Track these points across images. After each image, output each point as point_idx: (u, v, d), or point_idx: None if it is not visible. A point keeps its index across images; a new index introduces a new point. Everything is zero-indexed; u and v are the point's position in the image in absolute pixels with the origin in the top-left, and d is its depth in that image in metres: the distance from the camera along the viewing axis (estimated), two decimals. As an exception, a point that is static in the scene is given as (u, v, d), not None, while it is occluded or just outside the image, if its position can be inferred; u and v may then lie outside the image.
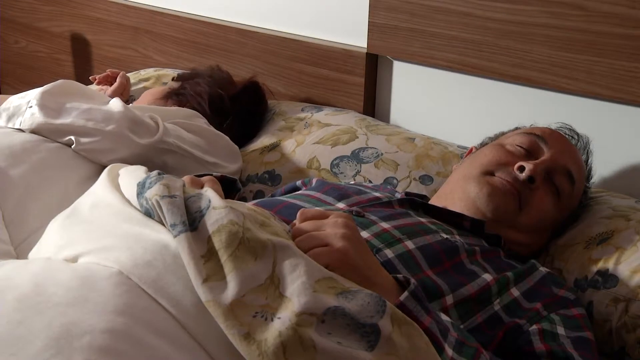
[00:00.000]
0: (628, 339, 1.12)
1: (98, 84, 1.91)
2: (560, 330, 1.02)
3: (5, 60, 2.70)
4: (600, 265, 1.19)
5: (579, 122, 1.45)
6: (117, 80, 1.88)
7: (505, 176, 1.20)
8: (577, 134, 1.37)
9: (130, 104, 1.70)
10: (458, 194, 1.23)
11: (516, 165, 1.20)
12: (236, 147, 1.66)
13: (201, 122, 1.64)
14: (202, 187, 0.97)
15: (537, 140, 1.26)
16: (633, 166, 1.45)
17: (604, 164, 1.46)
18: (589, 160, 1.36)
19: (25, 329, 0.72)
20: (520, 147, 1.25)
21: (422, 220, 1.14)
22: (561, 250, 1.27)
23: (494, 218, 1.19)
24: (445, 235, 1.10)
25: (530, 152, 1.25)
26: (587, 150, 1.36)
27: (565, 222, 1.29)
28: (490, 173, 1.22)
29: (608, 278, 1.17)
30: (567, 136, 1.34)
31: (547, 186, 1.22)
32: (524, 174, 1.19)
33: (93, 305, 0.75)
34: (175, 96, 1.73)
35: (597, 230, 1.26)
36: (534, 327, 1.02)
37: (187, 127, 1.57)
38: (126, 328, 0.73)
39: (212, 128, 1.64)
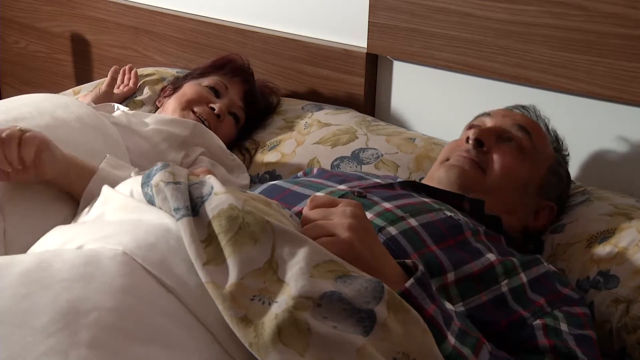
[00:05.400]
0: (628, 340, 1.12)
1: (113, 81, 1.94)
2: (564, 327, 1.02)
3: (5, 60, 2.69)
4: (601, 265, 1.20)
5: (579, 122, 1.45)
6: (131, 84, 1.94)
7: (459, 153, 1.27)
8: (524, 107, 1.39)
9: (155, 113, 1.76)
10: (434, 182, 1.27)
11: (464, 140, 1.28)
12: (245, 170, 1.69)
13: (212, 139, 1.66)
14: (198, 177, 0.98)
15: (481, 118, 1.34)
16: (633, 166, 1.45)
17: (603, 164, 1.47)
18: (549, 127, 1.38)
19: (30, 302, 0.72)
20: (469, 129, 1.31)
21: (426, 200, 1.15)
22: (563, 249, 1.27)
23: (465, 188, 1.23)
24: (449, 213, 1.11)
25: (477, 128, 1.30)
26: (539, 117, 1.38)
27: (549, 181, 1.29)
28: (447, 159, 1.29)
29: (609, 279, 1.17)
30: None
31: (504, 146, 1.27)
32: (471, 141, 1.26)
33: (99, 284, 0.75)
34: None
35: (598, 228, 1.26)
36: (538, 321, 1.02)
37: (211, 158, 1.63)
38: (132, 307, 0.74)
39: (225, 150, 1.68)
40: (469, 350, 0.87)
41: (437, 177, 1.27)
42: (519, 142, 1.27)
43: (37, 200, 1.30)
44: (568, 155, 1.39)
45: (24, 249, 1.02)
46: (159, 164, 0.94)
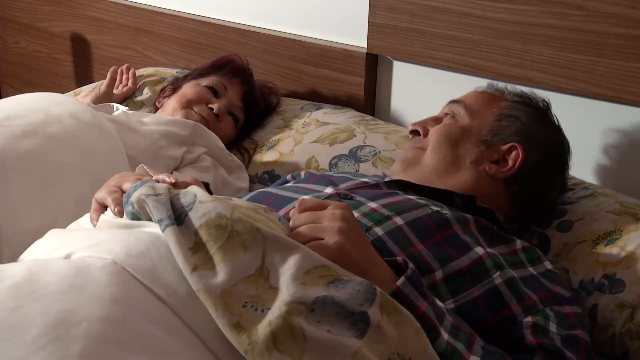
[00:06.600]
0: (631, 346, 1.11)
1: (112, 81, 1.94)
2: (552, 327, 1.01)
3: (5, 60, 2.70)
4: (607, 268, 1.18)
5: (579, 122, 1.44)
6: (130, 84, 1.94)
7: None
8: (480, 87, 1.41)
9: (156, 113, 1.76)
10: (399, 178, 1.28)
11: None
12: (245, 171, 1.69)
13: (212, 139, 1.66)
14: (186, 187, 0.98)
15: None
16: (633, 166, 1.45)
17: (603, 164, 1.46)
18: (504, 87, 1.38)
19: (20, 316, 0.72)
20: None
21: (411, 197, 1.15)
22: (568, 248, 1.26)
23: (408, 167, 1.26)
24: (435, 208, 1.11)
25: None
26: (494, 86, 1.39)
27: (498, 126, 1.27)
28: None
29: (615, 282, 1.16)
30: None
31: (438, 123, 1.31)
32: (409, 135, 1.35)
33: (89, 294, 0.75)
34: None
35: (604, 227, 1.25)
36: (528, 319, 1.02)
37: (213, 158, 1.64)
38: (123, 316, 0.74)
39: (224, 151, 1.67)
40: (463, 345, 0.87)
41: (393, 171, 1.31)
42: (451, 114, 1.30)
43: (32, 199, 1.29)
44: (544, 106, 1.33)
45: (19, 247, 1.03)
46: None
